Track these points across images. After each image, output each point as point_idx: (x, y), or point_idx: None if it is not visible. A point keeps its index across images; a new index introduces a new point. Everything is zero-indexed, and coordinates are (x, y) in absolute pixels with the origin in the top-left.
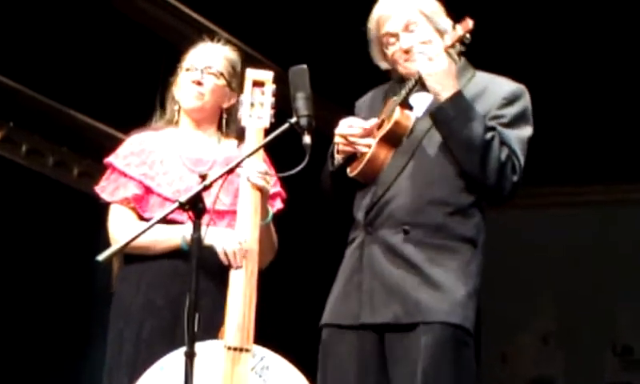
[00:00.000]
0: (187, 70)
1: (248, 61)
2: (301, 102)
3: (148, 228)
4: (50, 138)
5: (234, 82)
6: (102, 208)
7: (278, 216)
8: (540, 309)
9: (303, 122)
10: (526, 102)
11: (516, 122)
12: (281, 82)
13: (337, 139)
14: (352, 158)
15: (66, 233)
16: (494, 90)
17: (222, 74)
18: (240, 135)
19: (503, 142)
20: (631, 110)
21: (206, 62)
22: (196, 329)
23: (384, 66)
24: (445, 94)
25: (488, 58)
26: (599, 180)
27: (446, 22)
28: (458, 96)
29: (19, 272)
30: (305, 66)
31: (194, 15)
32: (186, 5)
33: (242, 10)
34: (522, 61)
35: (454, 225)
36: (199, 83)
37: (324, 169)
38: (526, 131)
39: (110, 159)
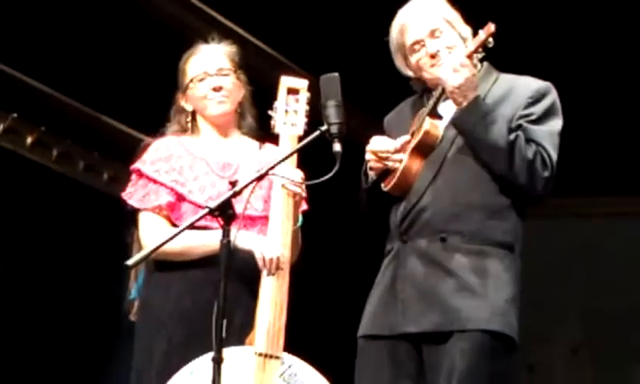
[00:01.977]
0: (201, 80)
1: (279, 68)
2: (331, 110)
3: (177, 234)
4: (80, 143)
5: (240, 73)
6: (132, 213)
7: (306, 222)
8: (569, 320)
9: (334, 129)
10: (552, 97)
11: (544, 117)
12: (311, 90)
13: (368, 156)
14: (385, 173)
15: (95, 237)
16: (520, 90)
17: (232, 71)
18: (254, 132)
19: (530, 139)
20: None
21: (216, 65)
22: (224, 335)
23: (409, 73)
24: (466, 103)
25: (511, 62)
26: (629, 191)
27: (466, 30)
28: (476, 102)
29: (47, 275)
30: (336, 74)
31: (227, 23)
32: (219, 12)
33: (274, 18)
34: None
35: (491, 230)
36: (220, 88)
37: (360, 188)
38: (556, 125)
39: (137, 165)
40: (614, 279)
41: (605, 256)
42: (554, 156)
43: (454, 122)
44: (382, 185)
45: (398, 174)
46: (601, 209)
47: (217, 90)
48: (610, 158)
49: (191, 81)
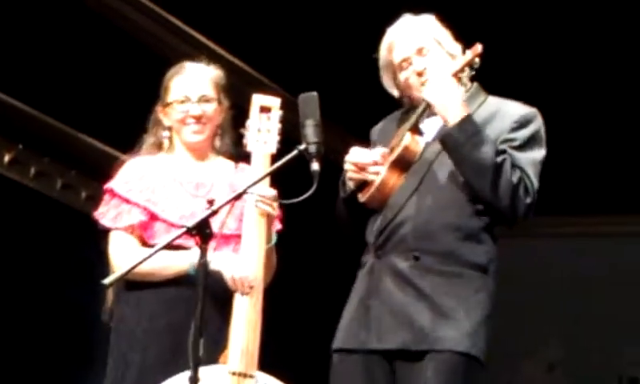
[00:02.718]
0: (182, 102)
1: (257, 86)
2: (310, 129)
3: (154, 253)
4: (58, 161)
5: (222, 96)
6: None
7: (282, 239)
8: (546, 338)
9: (312, 148)
10: (537, 124)
11: (527, 144)
12: (289, 108)
13: (347, 166)
14: (363, 183)
15: (71, 256)
16: (505, 114)
17: (214, 99)
18: (232, 153)
19: (515, 165)
20: None
21: (199, 91)
22: (200, 354)
23: (395, 93)
24: (453, 119)
25: (501, 84)
26: (608, 211)
27: (455, 47)
28: (466, 120)
29: (23, 294)
30: (315, 93)
31: (206, 41)
32: (198, 31)
33: (252, 36)
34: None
35: (465, 251)
36: (200, 117)
37: (338, 197)
38: (539, 153)
39: (110, 185)
40: (590, 298)
41: (581, 275)
42: (536, 184)
43: (443, 139)
44: (359, 195)
45: (374, 186)
46: (577, 228)
47: (196, 118)
48: (591, 177)
49: (172, 102)
